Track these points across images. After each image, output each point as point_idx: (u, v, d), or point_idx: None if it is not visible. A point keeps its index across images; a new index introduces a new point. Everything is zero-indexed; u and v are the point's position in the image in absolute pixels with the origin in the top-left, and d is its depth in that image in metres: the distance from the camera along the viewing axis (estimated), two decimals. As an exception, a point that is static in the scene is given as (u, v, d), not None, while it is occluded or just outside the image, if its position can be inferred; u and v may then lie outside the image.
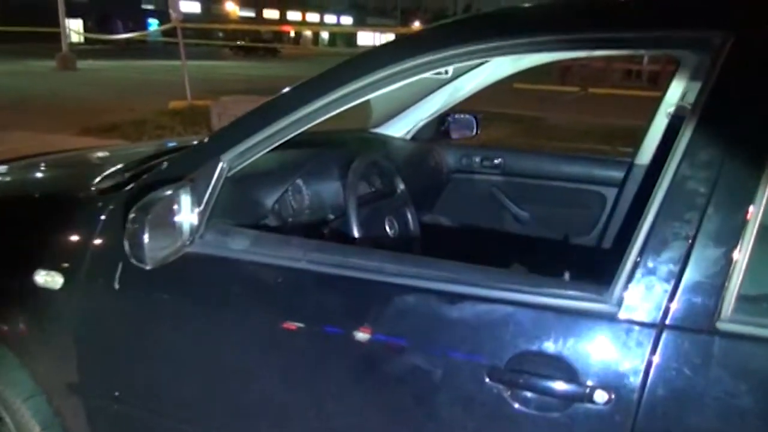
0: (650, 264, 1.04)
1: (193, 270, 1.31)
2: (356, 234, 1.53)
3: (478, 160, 2.72)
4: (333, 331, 1.22)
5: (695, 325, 1.01)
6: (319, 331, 1.23)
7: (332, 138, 2.43)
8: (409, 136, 2.72)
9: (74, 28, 28.75)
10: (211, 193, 1.31)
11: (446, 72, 2.05)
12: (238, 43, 37.03)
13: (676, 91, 2.30)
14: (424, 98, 2.62)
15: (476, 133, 2.79)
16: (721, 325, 1.00)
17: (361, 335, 1.17)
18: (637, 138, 2.56)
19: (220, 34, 44.50)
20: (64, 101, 10.78)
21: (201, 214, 1.29)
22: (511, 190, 2.71)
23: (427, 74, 1.32)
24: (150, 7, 51.49)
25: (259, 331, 1.29)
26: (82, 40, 29.42)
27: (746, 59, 1.07)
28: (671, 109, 2.30)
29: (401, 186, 1.84)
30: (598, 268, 1.22)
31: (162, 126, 7.96)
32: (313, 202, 1.87)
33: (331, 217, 1.81)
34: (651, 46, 1.20)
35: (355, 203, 1.56)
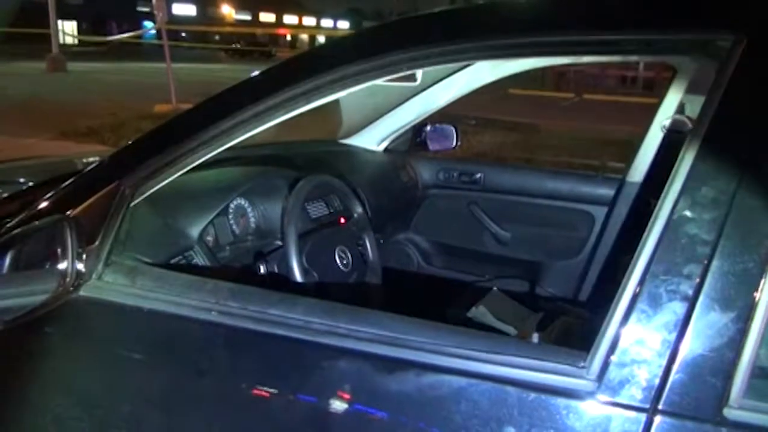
0: (639, 329, 0.81)
1: (83, 319, 1.08)
2: (296, 271, 1.29)
3: (456, 174, 2.49)
4: (247, 407, 0.98)
5: (696, 412, 0.78)
6: (230, 409, 0.99)
7: (290, 150, 2.20)
8: (381, 148, 2.49)
9: (68, 30, 28.49)
10: (110, 225, 1.07)
11: (414, 79, 1.83)
12: (233, 45, 36.86)
13: (672, 103, 2.07)
14: (399, 106, 2.40)
15: (456, 144, 2.55)
16: (730, 413, 0.77)
17: (279, 408, 0.94)
18: (629, 152, 2.34)
19: (216, 37, 44.30)
20: (46, 104, 10.50)
21: (97, 251, 1.06)
22: (491, 208, 2.48)
23: (378, 81, 1.10)
24: (145, 9, 51.23)
25: (158, 404, 1.04)
26: (75, 41, 29.15)
27: (760, 66, 0.85)
28: (667, 122, 2.08)
29: (358, 209, 1.61)
30: (579, 325, 0.98)
31: (141, 130, 7.68)
32: (260, 225, 1.64)
33: (279, 243, 1.58)
34: (642, 51, 0.97)
35: (295, 234, 1.32)
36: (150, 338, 1.05)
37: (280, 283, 1.37)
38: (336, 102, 2.83)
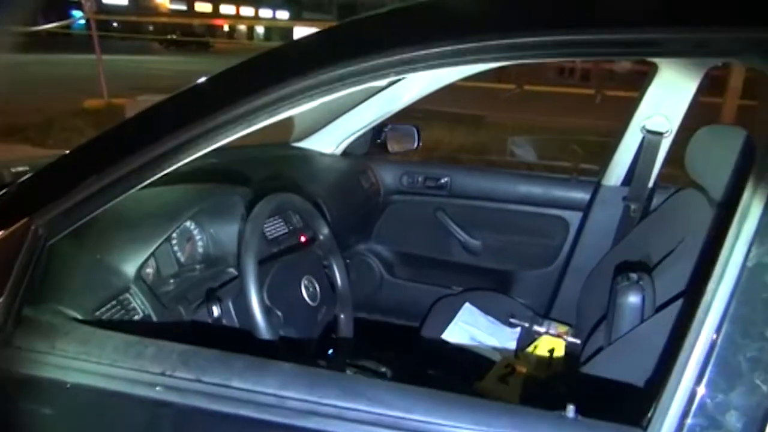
0: (709, 409, 0.64)
1: None
2: (257, 313, 1.08)
3: (420, 179, 2.31)
4: None
5: None
6: None
7: (239, 157, 1.97)
8: (339, 152, 2.28)
9: (-12, 19, 26.71)
10: (19, 272, 0.84)
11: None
12: (169, 36, 35.58)
13: (652, 102, 1.94)
14: (357, 106, 2.20)
15: (418, 145, 2.37)
16: None
17: None
18: (602, 154, 2.21)
19: (150, 28, 42.68)
20: (-39, 101, 9.75)
21: (3, 307, 0.83)
22: (459, 214, 2.31)
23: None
24: (74, -3, 48.94)
25: None
26: (-4, 32, 27.40)
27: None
28: (647, 123, 1.95)
29: (324, 230, 1.40)
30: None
31: (70, 128, 7.19)
32: (209, 251, 1.42)
33: (232, 272, 1.36)
34: (691, 51, 0.80)
35: (255, 268, 1.11)
36: (75, 424, 0.82)
37: (238, 330, 1.15)
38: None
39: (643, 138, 1.97)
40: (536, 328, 1.94)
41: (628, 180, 2.04)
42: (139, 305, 1.10)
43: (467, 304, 2.01)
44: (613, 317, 1.43)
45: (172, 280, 1.29)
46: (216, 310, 1.16)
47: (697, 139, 1.60)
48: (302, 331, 1.21)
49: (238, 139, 0.95)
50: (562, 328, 1.94)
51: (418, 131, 2.36)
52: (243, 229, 1.16)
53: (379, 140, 2.33)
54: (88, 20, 10.02)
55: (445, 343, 1.78)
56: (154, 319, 1.11)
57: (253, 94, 0.87)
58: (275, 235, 1.52)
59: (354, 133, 2.26)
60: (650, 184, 2.02)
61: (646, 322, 1.34)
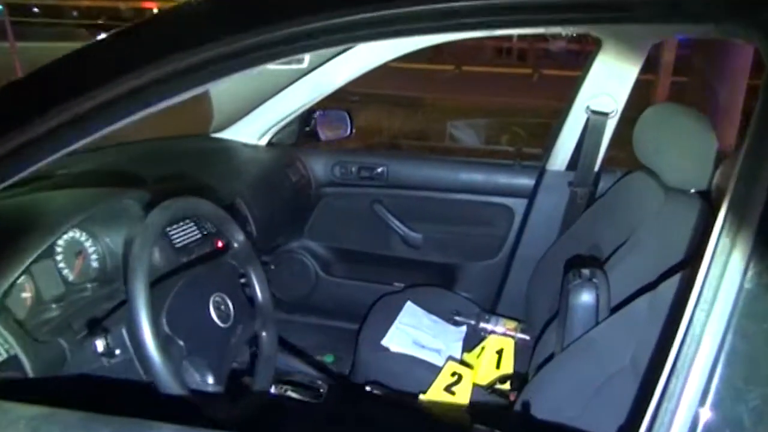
0: None
1: None
2: (149, 347, 0.88)
3: (354, 169, 2.14)
4: None
5: None
6: None
7: (148, 151, 1.75)
8: (263, 142, 2.09)
9: None
10: None
11: (301, 61, 1.45)
12: (96, 21, 34.01)
13: (595, 81, 1.82)
14: (282, 91, 2.00)
15: (351, 131, 2.19)
16: None
17: None
18: (544, 136, 2.09)
19: (75, 13, 40.72)
20: None
21: None
22: (397, 206, 2.16)
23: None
24: (-12, -19, 46.17)
25: None
26: None
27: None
28: (592, 103, 1.83)
29: (239, 237, 1.21)
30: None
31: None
32: (105, 266, 1.21)
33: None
34: (660, 17, 0.64)
35: (144, 292, 0.91)
36: None
37: (131, 366, 0.96)
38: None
39: (588, 119, 1.86)
40: (483, 325, 1.81)
41: (573, 164, 1.93)
42: (1, 344, 0.89)
43: (409, 303, 1.87)
44: (565, 318, 1.31)
45: (54, 305, 1.08)
46: (101, 344, 0.96)
47: (645, 118, 1.49)
48: (212, 359, 1.03)
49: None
50: (511, 324, 1.82)
51: (350, 116, 2.18)
52: (131, 244, 0.96)
53: (308, 128, 2.14)
54: (5, 5, 9.36)
55: (385, 350, 1.63)
56: (24, 359, 0.90)
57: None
58: (185, 242, 1.32)
59: (280, 121, 2.07)
60: (596, 167, 1.91)
61: (601, 325, 1.22)
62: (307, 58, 1.51)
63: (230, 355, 1.09)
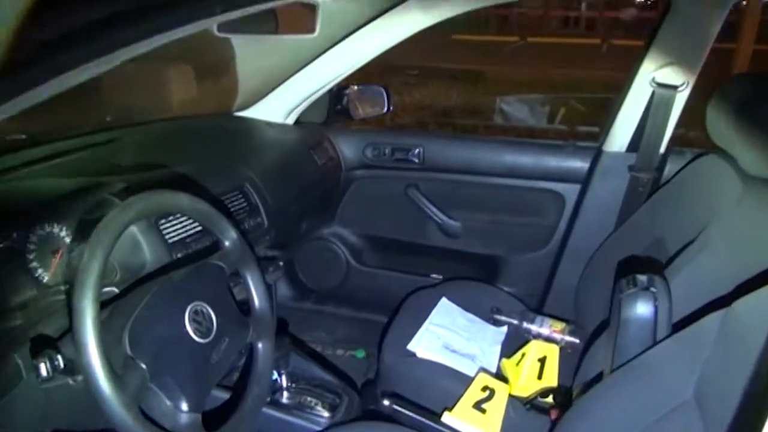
0: None
1: None
2: (94, 377, 0.73)
3: (388, 150, 1.96)
4: None
5: None
6: None
7: (164, 131, 1.63)
8: (290, 121, 1.92)
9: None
10: None
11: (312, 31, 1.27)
12: None
13: (660, 50, 1.57)
14: (309, 65, 1.83)
15: (388, 108, 2.00)
16: None
17: None
18: (602, 114, 1.86)
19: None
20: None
21: None
22: (434, 191, 1.98)
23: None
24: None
25: None
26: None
27: None
28: (657, 75, 1.58)
29: (231, 235, 1.03)
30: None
31: None
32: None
33: (112, 291, 1.02)
34: None
35: (92, 311, 0.75)
36: None
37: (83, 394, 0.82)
38: (226, 61, 2.25)
39: (653, 93, 1.61)
40: (526, 325, 1.62)
41: (634, 145, 1.70)
42: None
43: (443, 300, 1.69)
44: (616, 333, 1.10)
45: (20, 312, 0.95)
46: (44, 369, 0.82)
47: (722, 93, 1.25)
48: (186, 381, 0.87)
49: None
50: (558, 326, 1.62)
51: (387, 91, 1.99)
52: (84, 249, 0.81)
53: (339, 106, 1.97)
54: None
55: (411, 355, 1.46)
56: None
57: None
58: (181, 235, 1.18)
59: (308, 98, 1.90)
60: (662, 149, 1.66)
61: (659, 346, 1.00)
62: (318, 26, 1.33)
63: (210, 375, 0.94)
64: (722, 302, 1.13)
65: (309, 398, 1.33)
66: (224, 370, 0.99)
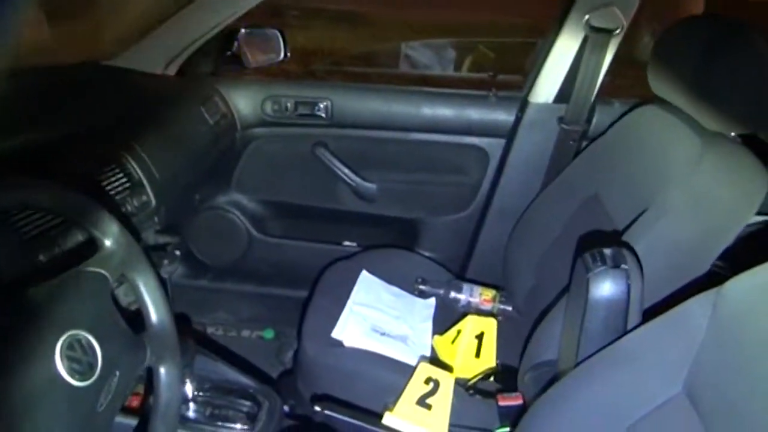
0: None
1: None
2: None
3: (290, 105, 1.72)
4: None
5: None
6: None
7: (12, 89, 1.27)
8: (173, 71, 1.62)
9: None
10: None
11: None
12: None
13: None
14: (191, 5, 1.54)
15: (285, 55, 1.74)
16: None
17: None
18: (520, 59, 1.71)
19: None
20: None
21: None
22: (345, 149, 1.78)
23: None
24: None
25: None
26: None
27: None
28: (592, 16, 1.45)
29: (111, 229, 0.76)
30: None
31: None
32: None
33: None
34: None
35: None
36: None
37: None
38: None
39: (586, 38, 1.48)
40: (455, 295, 1.50)
41: (563, 95, 1.58)
42: None
43: (364, 273, 1.52)
44: (582, 317, 0.96)
45: None
46: None
47: (671, 38, 1.13)
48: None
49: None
50: (488, 293, 1.51)
51: (283, 36, 1.73)
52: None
53: (229, 52, 1.68)
54: None
55: (338, 344, 1.27)
56: None
57: None
58: (41, 228, 0.89)
59: (192, 43, 1.61)
60: (592, 98, 1.54)
61: (641, 332, 0.86)
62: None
63: (100, 428, 0.70)
64: (694, 271, 1.03)
65: (222, 410, 1.11)
66: (117, 412, 0.75)
